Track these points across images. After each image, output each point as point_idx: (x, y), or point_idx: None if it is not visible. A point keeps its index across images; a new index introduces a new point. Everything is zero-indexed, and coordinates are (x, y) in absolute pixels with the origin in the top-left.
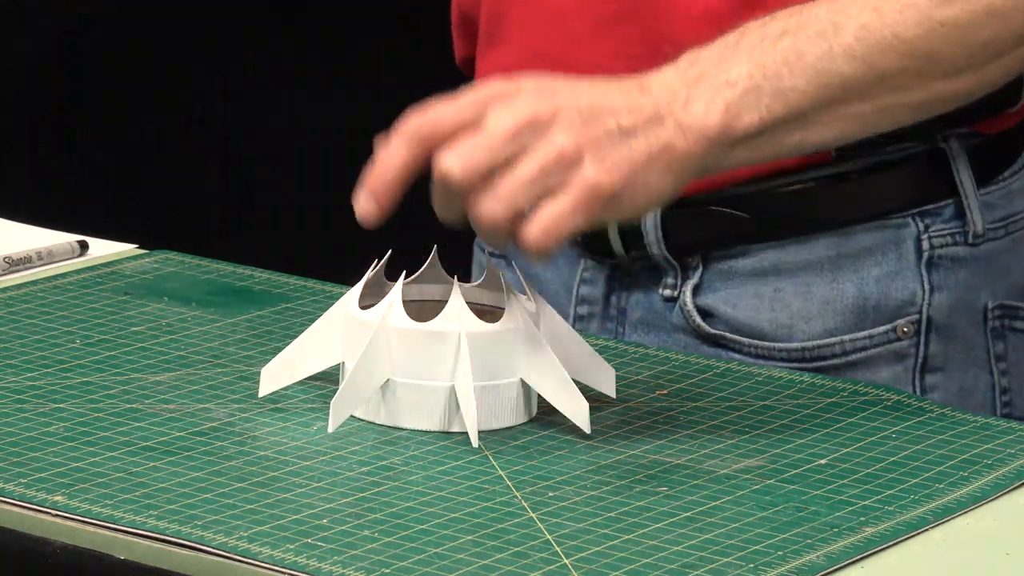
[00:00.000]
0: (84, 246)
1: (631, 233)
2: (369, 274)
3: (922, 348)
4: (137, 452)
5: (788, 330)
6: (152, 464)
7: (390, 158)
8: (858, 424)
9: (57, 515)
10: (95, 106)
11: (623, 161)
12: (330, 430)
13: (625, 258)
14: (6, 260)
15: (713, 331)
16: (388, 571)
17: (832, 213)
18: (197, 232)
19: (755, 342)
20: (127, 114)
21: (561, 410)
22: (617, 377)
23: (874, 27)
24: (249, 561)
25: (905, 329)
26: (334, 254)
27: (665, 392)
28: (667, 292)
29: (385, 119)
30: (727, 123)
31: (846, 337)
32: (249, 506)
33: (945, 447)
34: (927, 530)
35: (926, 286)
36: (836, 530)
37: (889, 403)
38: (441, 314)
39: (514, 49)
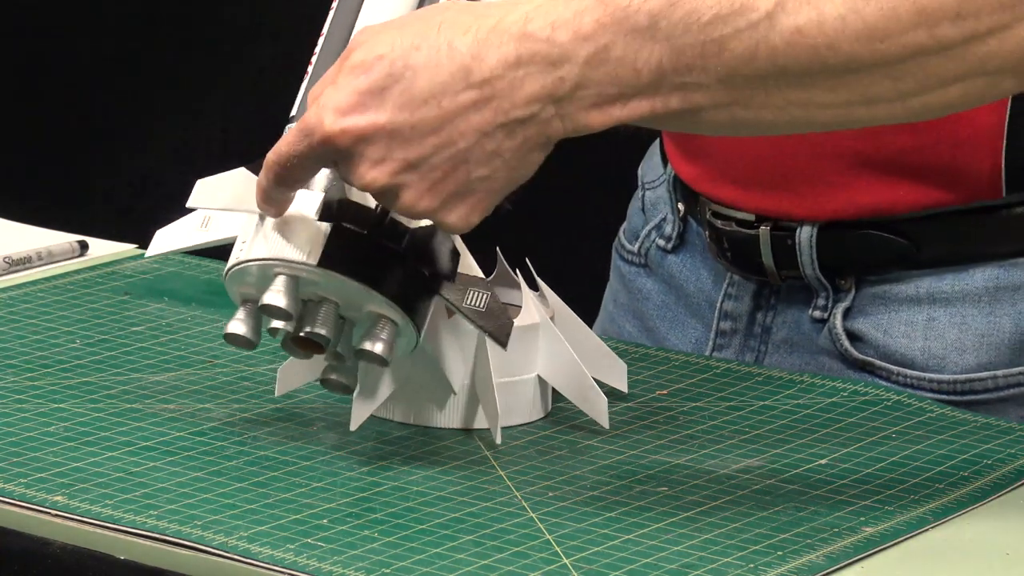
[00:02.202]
0: (84, 246)
1: (784, 250)
2: None
3: None
4: (137, 452)
5: (940, 361)
6: (152, 464)
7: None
8: (858, 424)
9: (57, 515)
10: (96, 106)
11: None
12: (352, 428)
13: (775, 275)
14: (6, 260)
15: (861, 356)
16: (388, 571)
17: (993, 244)
18: None
19: (904, 371)
20: (128, 114)
21: (579, 406)
22: None
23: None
24: (249, 561)
25: None
26: None
27: (665, 392)
28: (817, 313)
29: None
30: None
31: (999, 372)
32: (249, 506)
33: (945, 447)
34: (927, 530)
35: None
36: (836, 530)
37: (889, 403)
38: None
39: None
